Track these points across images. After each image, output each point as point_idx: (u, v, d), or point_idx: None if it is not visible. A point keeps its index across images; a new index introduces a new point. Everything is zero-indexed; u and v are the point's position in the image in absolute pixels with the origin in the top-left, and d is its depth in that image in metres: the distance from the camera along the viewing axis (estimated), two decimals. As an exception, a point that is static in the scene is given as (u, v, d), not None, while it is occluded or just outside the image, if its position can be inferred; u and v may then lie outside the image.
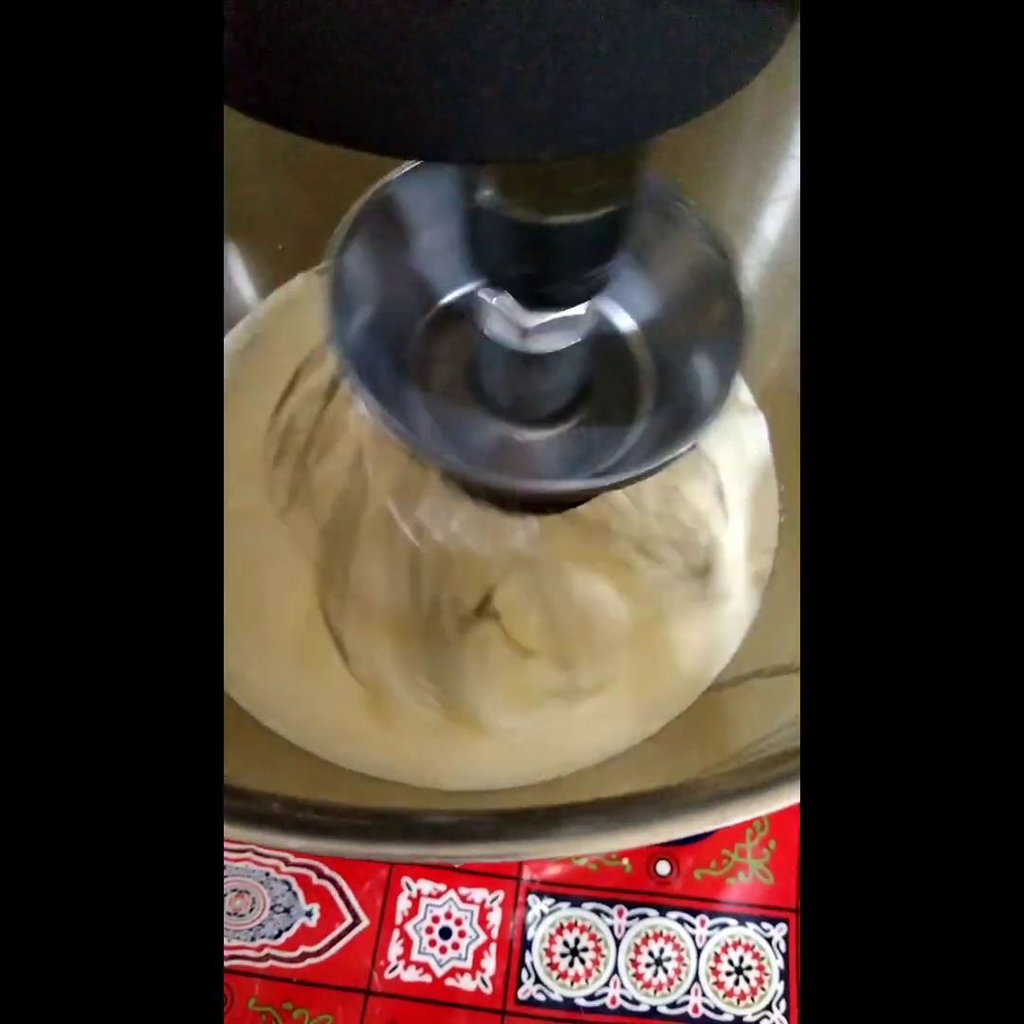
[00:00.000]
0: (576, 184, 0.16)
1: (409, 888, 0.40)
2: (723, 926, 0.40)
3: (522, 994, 0.39)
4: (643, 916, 0.40)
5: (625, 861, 0.41)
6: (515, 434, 0.25)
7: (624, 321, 0.26)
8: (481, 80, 0.11)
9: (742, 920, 0.40)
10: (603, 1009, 0.39)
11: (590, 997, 0.39)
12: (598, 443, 0.24)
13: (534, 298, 0.19)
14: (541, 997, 0.39)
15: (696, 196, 0.39)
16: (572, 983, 0.39)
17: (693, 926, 0.40)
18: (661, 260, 0.24)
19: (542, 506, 0.25)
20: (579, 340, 0.21)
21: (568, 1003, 0.39)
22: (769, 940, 0.40)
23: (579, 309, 0.20)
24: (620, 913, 0.40)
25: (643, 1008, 0.39)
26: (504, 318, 0.20)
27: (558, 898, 0.40)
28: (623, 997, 0.39)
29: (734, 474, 0.39)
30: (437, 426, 0.24)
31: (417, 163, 0.22)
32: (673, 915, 0.40)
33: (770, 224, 0.36)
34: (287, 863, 0.41)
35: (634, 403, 0.25)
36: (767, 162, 0.36)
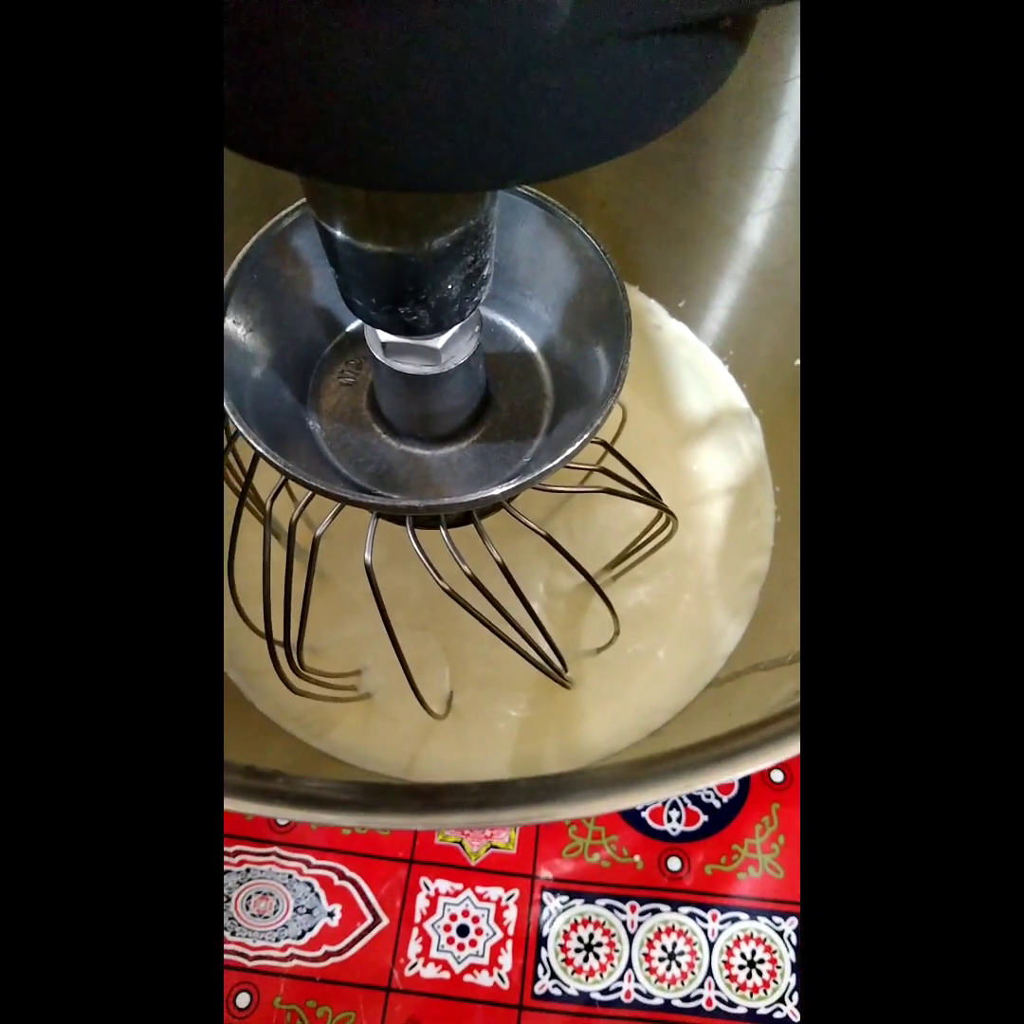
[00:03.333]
0: (399, 218, 0.16)
1: (427, 887, 0.42)
2: (734, 920, 0.41)
3: (538, 989, 0.40)
4: (655, 911, 0.41)
5: (637, 858, 0.42)
6: (414, 453, 0.25)
7: (524, 341, 0.26)
8: (451, 119, 0.12)
9: (753, 914, 0.41)
10: (618, 1003, 0.40)
11: (605, 991, 0.40)
12: (497, 457, 0.25)
13: (378, 321, 0.20)
14: (557, 992, 0.40)
15: (684, 207, 0.41)
16: (587, 978, 0.40)
17: (705, 920, 0.41)
18: (550, 278, 0.24)
19: (433, 520, 0.25)
20: (445, 369, 0.21)
21: (583, 997, 0.40)
22: (780, 933, 0.41)
23: (435, 341, 0.20)
24: (633, 908, 0.41)
25: (657, 1002, 0.40)
26: (371, 334, 0.21)
27: (572, 895, 0.41)
28: (637, 991, 0.40)
29: (731, 477, 0.40)
30: (339, 451, 0.25)
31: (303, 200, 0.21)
32: (685, 910, 0.41)
33: (755, 233, 0.38)
34: (309, 865, 0.42)
35: (537, 417, 0.25)
36: (750, 174, 0.37)
